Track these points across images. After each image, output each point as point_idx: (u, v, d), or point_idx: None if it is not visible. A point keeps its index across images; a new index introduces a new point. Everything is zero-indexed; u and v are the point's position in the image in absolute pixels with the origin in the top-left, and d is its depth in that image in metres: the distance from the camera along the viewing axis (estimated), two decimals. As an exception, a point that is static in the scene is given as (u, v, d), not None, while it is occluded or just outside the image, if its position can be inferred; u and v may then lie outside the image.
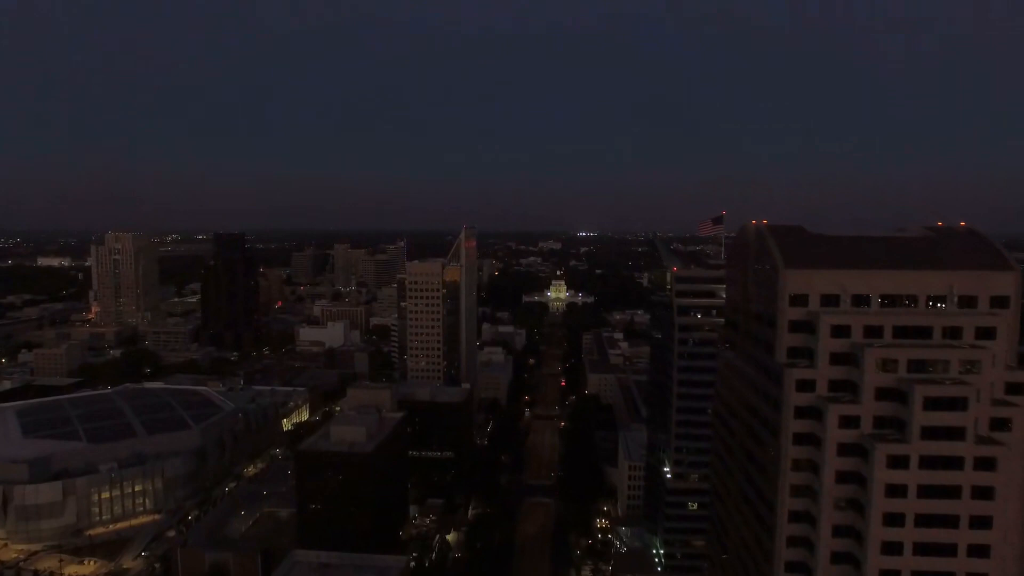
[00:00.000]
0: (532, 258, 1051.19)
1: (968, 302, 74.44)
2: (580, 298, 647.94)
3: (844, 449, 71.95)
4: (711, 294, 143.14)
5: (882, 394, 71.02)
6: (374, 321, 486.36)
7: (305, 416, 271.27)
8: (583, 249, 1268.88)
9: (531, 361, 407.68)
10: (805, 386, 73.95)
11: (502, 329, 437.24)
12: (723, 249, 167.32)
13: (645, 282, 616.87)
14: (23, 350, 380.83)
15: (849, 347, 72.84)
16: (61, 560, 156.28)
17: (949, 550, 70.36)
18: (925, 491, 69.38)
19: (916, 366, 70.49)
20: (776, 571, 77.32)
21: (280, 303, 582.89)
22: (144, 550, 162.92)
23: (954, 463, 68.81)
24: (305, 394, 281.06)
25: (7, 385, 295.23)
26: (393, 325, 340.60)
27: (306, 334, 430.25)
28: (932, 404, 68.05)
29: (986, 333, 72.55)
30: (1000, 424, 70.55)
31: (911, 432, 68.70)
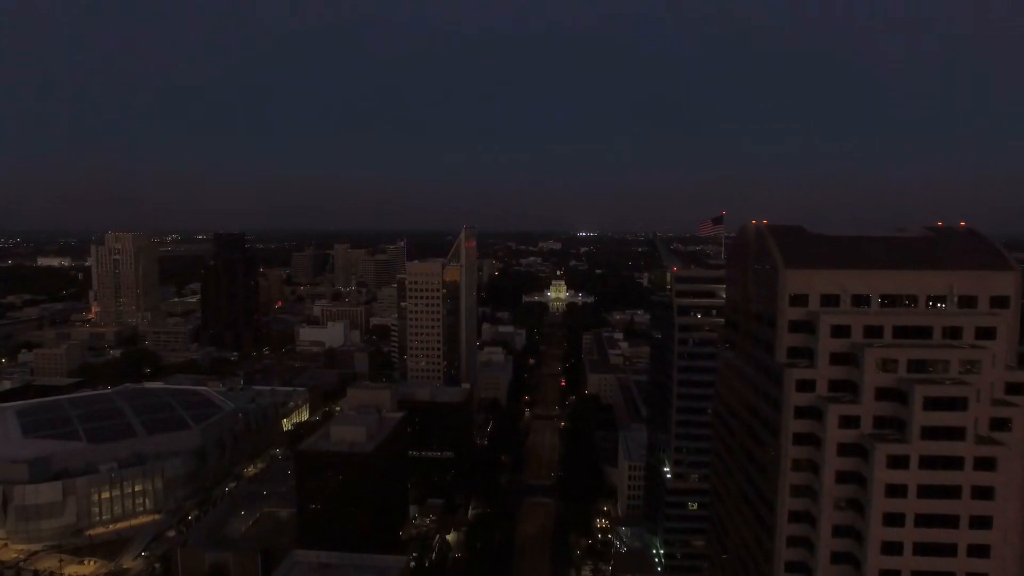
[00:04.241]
0: (532, 258, 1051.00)
1: (968, 302, 74.43)
2: (580, 298, 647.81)
3: (844, 449, 71.95)
4: (711, 294, 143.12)
5: (882, 394, 71.01)
6: (374, 321, 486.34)
7: (305, 416, 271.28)
8: (583, 249, 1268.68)
9: (531, 361, 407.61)
10: (805, 386, 73.94)
11: (502, 329, 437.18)
12: (723, 249, 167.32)
13: (645, 282, 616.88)
14: (23, 350, 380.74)
15: (849, 347, 72.84)
16: (61, 560, 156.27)
17: (949, 550, 70.37)
18: (925, 491, 69.38)
19: (916, 366, 70.49)
20: (776, 571, 77.32)
21: (280, 303, 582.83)
22: (144, 550, 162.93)
23: (954, 463, 68.81)
24: (305, 394, 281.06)
25: (7, 385, 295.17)
26: (393, 325, 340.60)
27: (306, 334, 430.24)
28: (932, 404, 68.05)
29: (986, 333, 72.53)
30: (1000, 424, 70.55)
31: (911, 432, 68.71)
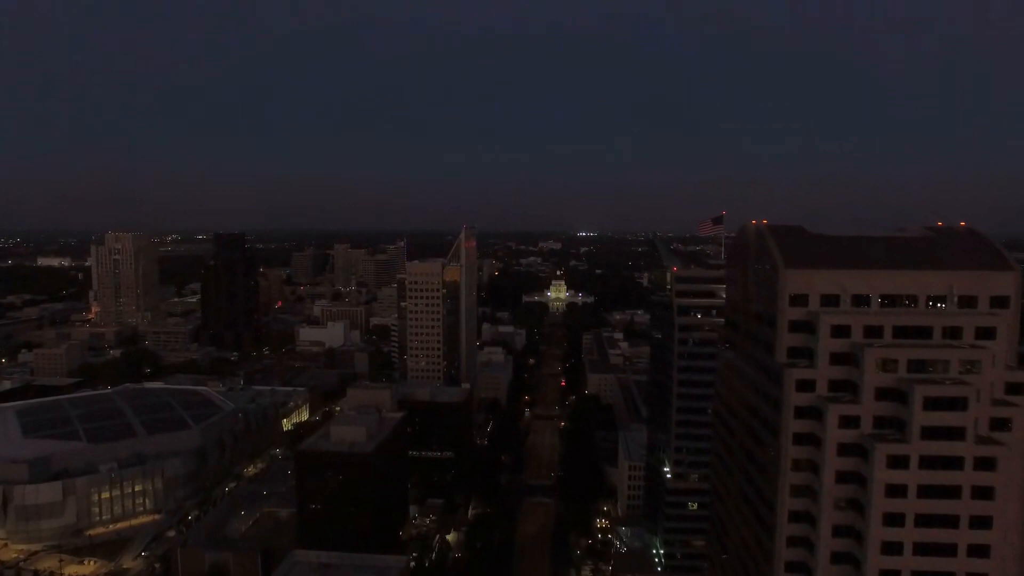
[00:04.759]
0: (532, 258, 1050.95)
1: (968, 302, 74.42)
2: (580, 298, 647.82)
3: (844, 449, 71.94)
4: (711, 294, 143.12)
5: (882, 394, 71.00)
6: (374, 321, 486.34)
7: (305, 416, 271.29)
8: (583, 249, 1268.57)
9: (531, 361, 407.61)
10: (805, 386, 73.93)
11: (502, 329, 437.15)
12: (723, 249, 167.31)
13: (645, 282, 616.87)
14: (23, 350, 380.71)
15: (849, 347, 72.83)
16: (61, 560, 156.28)
17: (949, 550, 70.36)
18: (925, 491, 69.38)
19: (916, 366, 70.48)
20: (776, 571, 77.31)
21: (280, 303, 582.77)
22: (144, 550, 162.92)
23: (954, 463, 68.80)
24: (305, 394, 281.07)
25: (7, 385, 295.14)
26: (393, 325, 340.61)
27: (306, 334, 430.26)
28: (932, 404, 68.04)
29: (986, 333, 72.52)
30: (1000, 424, 70.54)
31: (911, 432, 68.70)
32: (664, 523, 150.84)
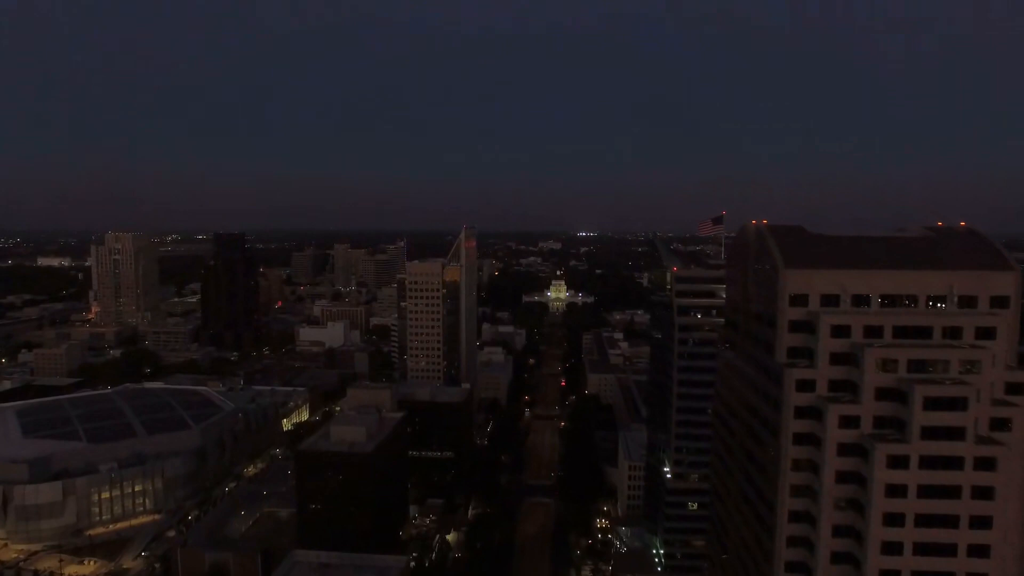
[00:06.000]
0: (532, 258, 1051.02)
1: (968, 302, 74.42)
2: (580, 298, 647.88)
3: (844, 449, 71.93)
4: (711, 294, 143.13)
5: (882, 394, 71.00)
6: (374, 321, 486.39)
7: (305, 416, 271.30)
8: (583, 249, 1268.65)
9: (531, 361, 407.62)
10: (805, 386, 73.92)
11: (502, 329, 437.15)
12: (723, 249, 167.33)
13: (645, 282, 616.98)
14: (23, 350, 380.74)
15: (849, 347, 72.82)
16: (61, 560, 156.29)
17: (949, 550, 70.36)
18: (925, 491, 69.37)
19: (916, 366, 70.46)
20: (776, 571, 77.31)
21: (280, 303, 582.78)
22: (144, 550, 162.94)
23: (954, 463, 68.80)
24: (305, 394, 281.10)
25: (7, 385, 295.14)
26: (393, 325, 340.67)
27: (306, 334, 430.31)
28: (932, 404, 68.03)
29: (986, 333, 72.51)
30: (1000, 424, 70.53)
31: (911, 432, 68.69)
32: (664, 523, 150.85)
